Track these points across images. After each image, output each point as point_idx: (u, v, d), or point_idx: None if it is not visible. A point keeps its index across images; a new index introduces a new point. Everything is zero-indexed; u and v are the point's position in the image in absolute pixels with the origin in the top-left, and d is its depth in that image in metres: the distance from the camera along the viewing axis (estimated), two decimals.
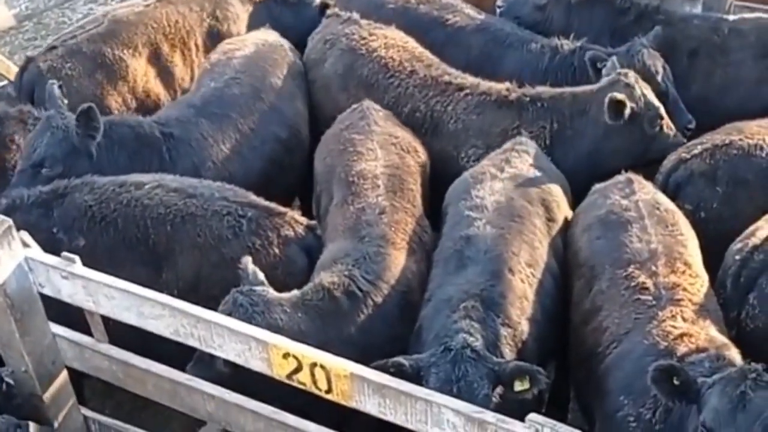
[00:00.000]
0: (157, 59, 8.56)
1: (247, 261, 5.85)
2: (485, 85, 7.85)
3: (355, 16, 8.61)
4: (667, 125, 7.48)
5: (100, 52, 8.25)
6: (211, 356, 5.40)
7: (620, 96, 7.16)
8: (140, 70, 8.39)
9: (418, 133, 7.69)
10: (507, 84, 7.80)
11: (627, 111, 7.19)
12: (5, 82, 9.26)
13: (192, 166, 7.40)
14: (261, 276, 5.79)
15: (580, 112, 7.51)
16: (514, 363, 5.35)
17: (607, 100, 7.15)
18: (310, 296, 5.89)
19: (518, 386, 5.28)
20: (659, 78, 7.88)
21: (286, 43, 8.68)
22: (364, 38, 8.35)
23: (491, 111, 7.67)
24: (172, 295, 5.68)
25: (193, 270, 6.42)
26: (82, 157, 7.04)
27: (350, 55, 8.29)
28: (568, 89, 7.73)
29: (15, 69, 8.86)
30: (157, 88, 8.53)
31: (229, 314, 5.39)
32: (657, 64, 7.96)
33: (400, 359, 5.25)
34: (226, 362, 5.37)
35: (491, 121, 7.64)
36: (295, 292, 5.91)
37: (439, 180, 7.27)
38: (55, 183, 6.70)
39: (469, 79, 7.94)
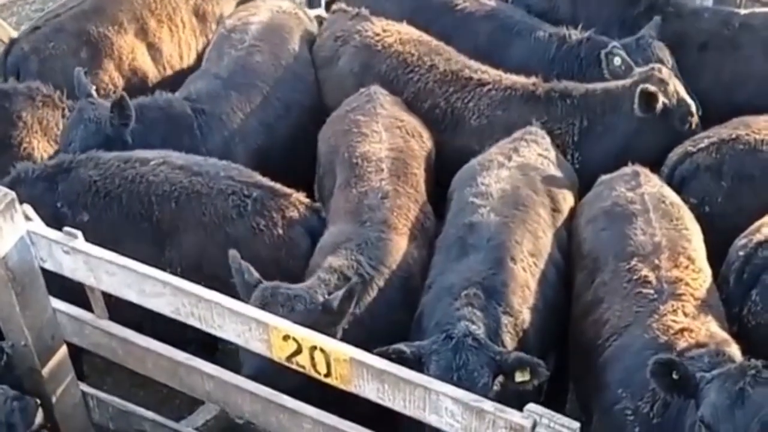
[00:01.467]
0: (143, 36, 8.43)
1: (235, 255, 5.69)
2: (508, 79, 7.75)
3: (364, 11, 8.42)
4: (696, 123, 7.40)
5: (84, 29, 8.13)
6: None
7: (653, 88, 7.11)
8: (126, 47, 8.25)
9: (438, 129, 7.61)
10: (533, 78, 7.71)
11: (659, 105, 7.13)
12: None
13: (222, 141, 7.43)
14: (254, 271, 5.66)
15: (612, 108, 7.42)
16: (516, 354, 5.34)
17: (638, 90, 7.09)
18: (328, 279, 5.82)
19: (519, 377, 5.27)
20: (669, 67, 7.84)
21: (299, 10, 8.67)
22: (378, 34, 8.19)
23: (517, 106, 7.58)
24: (174, 273, 5.66)
25: (197, 249, 6.41)
26: (116, 145, 6.99)
27: (366, 51, 8.13)
28: (600, 85, 7.63)
29: None
30: (144, 65, 8.40)
31: (291, 309, 5.37)
32: (666, 54, 7.93)
33: (402, 346, 5.24)
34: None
35: (518, 117, 7.51)
36: (313, 279, 5.83)
37: None
38: (60, 157, 6.72)
39: (491, 73, 7.84)
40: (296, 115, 7.93)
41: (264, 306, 5.38)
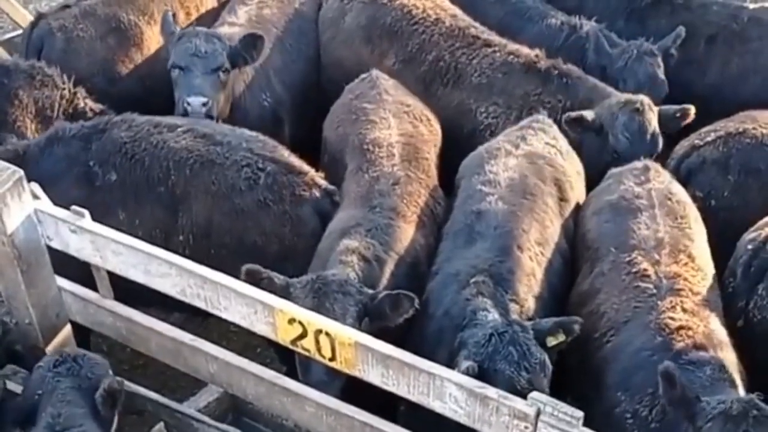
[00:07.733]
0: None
1: (257, 269, 5.50)
2: (512, 46, 7.92)
3: None
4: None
5: (114, 16, 8.15)
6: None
7: (574, 114, 7.20)
8: (154, 38, 8.26)
9: (439, 82, 7.78)
10: (537, 51, 7.85)
11: (588, 121, 7.21)
12: (20, 31, 9.16)
13: (264, 76, 7.72)
14: (276, 274, 5.58)
15: (588, 102, 7.50)
16: (547, 322, 5.38)
17: (564, 119, 7.18)
18: (350, 260, 5.81)
19: (552, 341, 5.31)
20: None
21: None
22: None
23: (518, 72, 7.74)
24: (187, 240, 5.72)
25: (205, 217, 6.43)
26: None
27: (372, 6, 8.35)
28: (595, 81, 7.73)
29: (30, 18, 8.78)
30: None
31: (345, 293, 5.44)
32: (657, 71, 7.94)
33: (473, 363, 5.04)
34: None
35: (516, 83, 7.70)
36: (335, 263, 5.79)
37: (454, 133, 7.30)
38: (97, 118, 6.88)
39: (495, 37, 8.02)
40: (304, 64, 8.38)
41: (318, 296, 5.42)
